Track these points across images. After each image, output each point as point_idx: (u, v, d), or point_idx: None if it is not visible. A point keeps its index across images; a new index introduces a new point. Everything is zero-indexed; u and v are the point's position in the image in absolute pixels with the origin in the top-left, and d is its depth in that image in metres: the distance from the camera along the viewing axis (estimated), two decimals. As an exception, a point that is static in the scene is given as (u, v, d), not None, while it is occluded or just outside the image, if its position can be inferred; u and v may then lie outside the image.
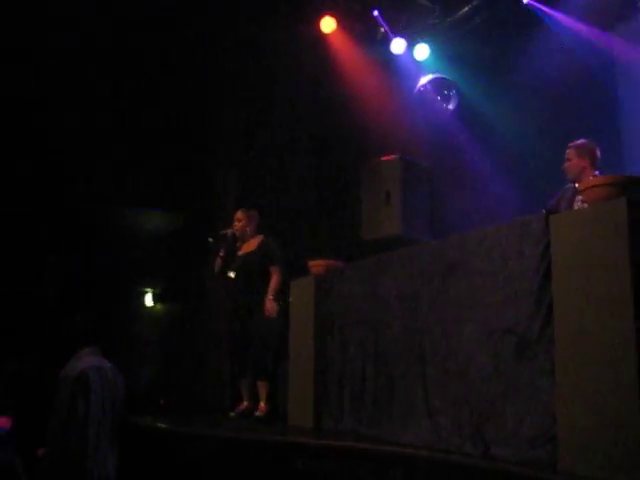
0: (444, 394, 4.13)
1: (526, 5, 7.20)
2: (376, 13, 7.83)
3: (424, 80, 7.95)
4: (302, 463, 4.55)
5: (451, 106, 7.91)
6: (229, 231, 6.32)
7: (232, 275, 6.23)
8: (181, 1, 7.23)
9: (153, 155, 7.89)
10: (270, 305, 5.98)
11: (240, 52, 7.92)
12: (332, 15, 7.86)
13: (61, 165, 7.57)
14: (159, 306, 8.99)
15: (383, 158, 5.63)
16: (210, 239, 6.23)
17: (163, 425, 5.83)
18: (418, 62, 8.12)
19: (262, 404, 6.04)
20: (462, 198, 7.23)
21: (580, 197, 4.97)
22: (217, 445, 5.18)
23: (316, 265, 5.71)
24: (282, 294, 6.00)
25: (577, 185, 5.13)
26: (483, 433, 3.78)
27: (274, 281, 6.09)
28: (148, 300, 9.02)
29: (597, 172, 5.11)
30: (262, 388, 6.09)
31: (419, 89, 7.95)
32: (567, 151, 5.25)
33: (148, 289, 8.90)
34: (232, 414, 6.30)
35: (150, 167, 7.93)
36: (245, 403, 6.31)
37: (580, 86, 7.02)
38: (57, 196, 7.59)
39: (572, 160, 5.18)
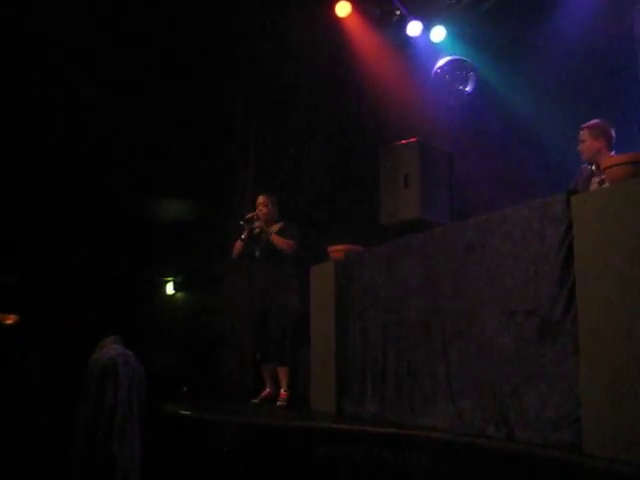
0: (466, 377, 4.12)
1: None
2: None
3: (441, 62, 7.87)
4: (324, 448, 4.57)
5: (469, 88, 7.83)
6: (255, 214, 6.29)
7: (257, 254, 6.24)
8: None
9: (172, 144, 7.89)
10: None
11: (256, 37, 7.89)
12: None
13: (82, 157, 7.60)
14: (180, 294, 9.05)
15: (401, 142, 5.57)
16: (241, 222, 6.21)
17: (186, 412, 5.86)
18: (435, 44, 8.05)
19: (283, 391, 6.05)
20: (482, 180, 7.17)
21: (597, 179, 4.94)
22: (239, 431, 5.20)
23: (336, 250, 5.70)
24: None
25: (593, 167, 5.09)
26: (506, 416, 3.76)
27: (286, 242, 6.12)
28: (169, 289, 9.08)
29: (613, 152, 5.03)
30: (283, 374, 6.11)
31: (436, 71, 7.87)
32: (581, 132, 5.18)
33: (169, 278, 8.95)
34: (255, 400, 6.33)
35: (169, 156, 7.94)
36: (267, 389, 6.33)
37: (598, 65, 6.92)
38: (78, 187, 7.63)
39: (586, 141, 5.12)
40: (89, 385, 4.42)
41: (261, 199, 6.41)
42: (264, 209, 6.33)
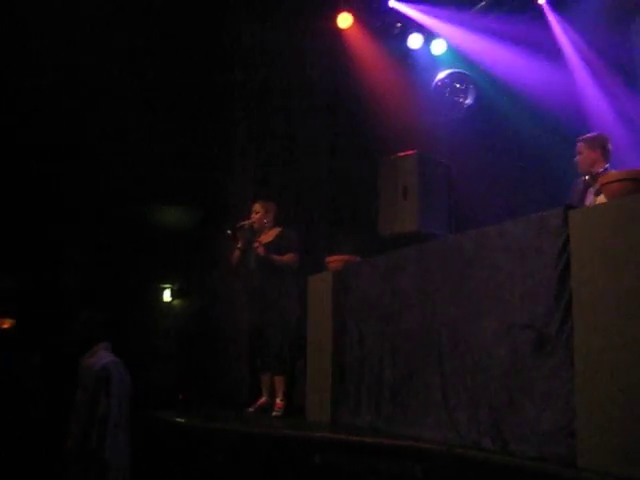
0: (462, 389, 4.12)
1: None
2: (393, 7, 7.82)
3: (442, 75, 7.92)
4: (320, 458, 4.57)
5: (469, 101, 7.87)
6: (247, 223, 6.30)
7: (253, 264, 6.23)
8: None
9: (172, 152, 7.92)
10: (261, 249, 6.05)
11: (258, 48, 7.93)
12: (349, 10, 7.86)
13: (81, 162, 7.62)
14: (177, 301, 9.05)
15: (400, 154, 5.60)
16: (228, 231, 6.22)
17: (182, 420, 5.87)
18: (435, 57, 8.09)
19: (279, 400, 6.05)
20: (480, 194, 7.20)
21: (592, 189, 4.98)
22: (235, 440, 5.20)
23: (334, 261, 5.72)
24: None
25: (587, 178, 5.14)
26: (501, 429, 3.77)
27: (288, 257, 6.12)
28: (166, 296, 9.08)
29: (608, 165, 5.11)
30: (279, 383, 6.11)
31: (437, 84, 7.92)
32: (578, 144, 5.26)
33: (167, 285, 8.95)
34: (250, 409, 6.32)
35: (168, 163, 7.96)
36: (264, 398, 6.33)
37: (598, 80, 6.98)
38: (77, 192, 7.65)
39: (583, 153, 5.20)
40: (81, 392, 4.47)
41: (256, 206, 6.40)
42: (256, 216, 6.33)
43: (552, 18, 7.28)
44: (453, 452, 3.90)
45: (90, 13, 6.96)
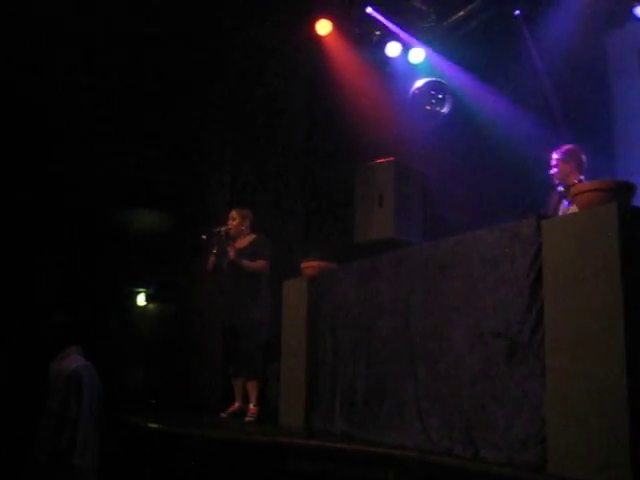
0: (435, 396, 4.15)
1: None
2: (371, 14, 7.84)
3: (419, 83, 7.97)
4: (293, 464, 4.56)
5: (445, 110, 7.93)
6: (223, 229, 6.32)
7: (226, 268, 6.24)
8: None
9: (147, 155, 7.87)
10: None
11: (235, 53, 7.92)
12: (328, 18, 7.88)
13: (53, 165, 7.55)
14: (152, 306, 8.98)
15: (377, 161, 5.64)
16: (203, 236, 6.23)
17: (154, 425, 5.83)
18: (413, 65, 8.14)
19: (252, 406, 6.04)
20: (455, 202, 7.25)
21: (565, 201, 5.06)
22: (207, 445, 5.18)
23: (309, 267, 5.73)
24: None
25: (562, 189, 5.22)
26: (473, 435, 3.80)
27: (258, 264, 6.14)
28: (141, 300, 9.01)
29: (582, 177, 5.19)
30: (252, 388, 6.11)
31: (414, 92, 7.97)
32: (553, 157, 5.36)
33: (141, 289, 8.89)
34: (223, 414, 6.31)
35: (143, 167, 7.91)
36: (237, 404, 6.32)
37: (573, 90, 7.07)
38: (49, 196, 7.57)
39: (558, 165, 5.30)
40: (51, 395, 4.42)
41: (233, 213, 6.43)
42: (232, 223, 6.35)
43: (525, 30, 7.38)
44: (425, 459, 3.92)
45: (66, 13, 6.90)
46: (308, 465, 4.49)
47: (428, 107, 7.92)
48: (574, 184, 5.02)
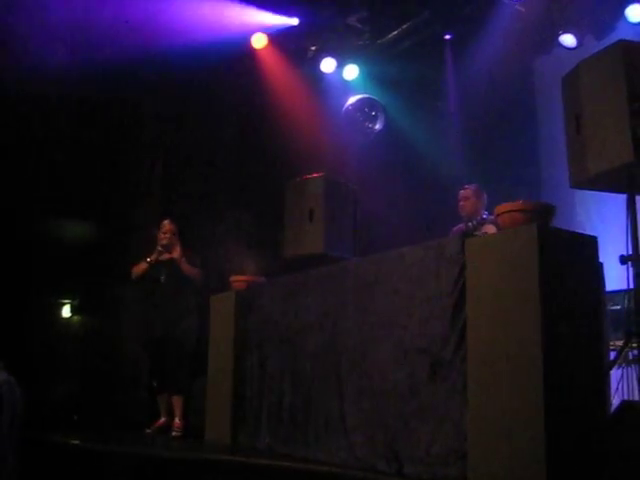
0: (360, 412, 4.16)
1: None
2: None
3: (352, 100, 8.06)
4: (217, 480, 4.51)
5: (378, 126, 8.04)
6: (163, 244, 6.25)
7: (163, 280, 6.20)
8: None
9: (75, 164, 7.69)
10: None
11: (164, 63, 7.81)
12: (263, 31, 7.88)
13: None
14: (77, 317, 8.75)
15: (307, 176, 5.64)
16: (159, 248, 6.21)
17: (76, 442, 5.67)
18: (347, 82, 8.23)
19: (177, 420, 6.00)
20: (386, 218, 7.34)
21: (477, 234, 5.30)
22: (131, 462, 5.07)
23: (237, 281, 5.70)
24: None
25: (469, 224, 5.54)
26: (397, 451, 3.82)
27: (195, 270, 6.18)
28: (66, 311, 8.77)
29: (486, 212, 5.54)
30: (177, 403, 6.06)
31: (347, 108, 8.05)
32: (463, 192, 5.74)
33: (66, 300, 8.65)
34: (148, 430, 6.20)
35: (72, 175, 7.73)
36: (162, 419, 6.23)
37: (502, 111, 7.27)
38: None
39: (470, 199, 5.67)
40: None
41: (166, 224, 6.37)
42: (165, 235, 6.30)
43: (449, 56, 7.59)
44: (349, 474, 3.92)
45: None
46: (233, 482, 4.44)
47: (361, 123, 8.01)
48: (483, 219, 5.50)
